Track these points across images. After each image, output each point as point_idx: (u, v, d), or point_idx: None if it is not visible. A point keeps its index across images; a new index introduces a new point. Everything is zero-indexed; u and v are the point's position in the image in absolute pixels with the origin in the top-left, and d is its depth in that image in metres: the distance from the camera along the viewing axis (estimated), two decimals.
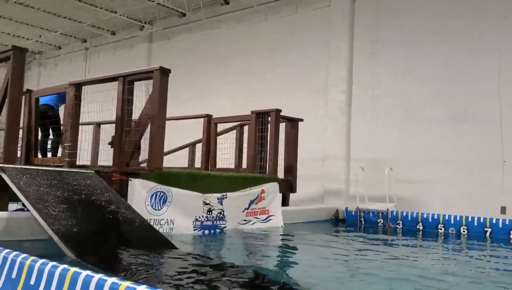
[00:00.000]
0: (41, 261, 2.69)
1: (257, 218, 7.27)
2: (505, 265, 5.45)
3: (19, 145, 6.46)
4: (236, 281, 3.74)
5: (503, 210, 8.04)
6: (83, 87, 6.57)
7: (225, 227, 6.70)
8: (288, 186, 8.52)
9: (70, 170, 5.70)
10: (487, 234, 7.34)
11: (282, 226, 7.45)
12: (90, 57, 17.31)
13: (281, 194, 7.94)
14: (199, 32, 13.92)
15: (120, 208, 4.98)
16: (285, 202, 8.34)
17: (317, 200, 10.39)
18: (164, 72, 5.72)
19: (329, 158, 10.46)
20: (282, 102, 9.59)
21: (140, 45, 15.40)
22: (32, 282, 2.64)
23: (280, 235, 7.05)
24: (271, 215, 7.47)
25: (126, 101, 5.97)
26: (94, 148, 7.78)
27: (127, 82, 5.99)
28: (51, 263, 2.62)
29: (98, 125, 8.99)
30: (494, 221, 7.38)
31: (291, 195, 8.69)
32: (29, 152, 7.23)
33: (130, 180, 5.70)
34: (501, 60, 8.60)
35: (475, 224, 7.49)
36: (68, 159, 6.28)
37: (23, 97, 6.45)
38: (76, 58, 17.75)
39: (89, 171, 5.70)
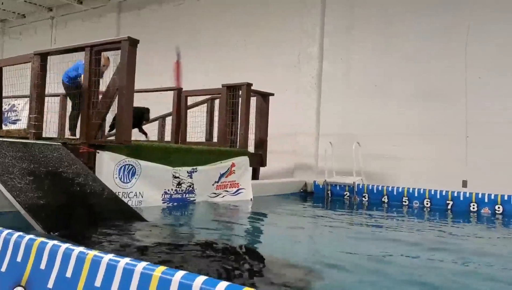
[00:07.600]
0: (6, 231, 2.67)
1: (227, 191, 7.33)
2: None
3: None
4: (204, 253, 3.80)
5: (464, 183, 8.35)
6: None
7: (195, 200, 6.75)
8: (258, 160, 8.61)
9: (36, 142, 5.59)
10: (449, 207, 7.64)
11: (251, 199, 7.55)
12: (57, 27, 16.73)
13: (251, 168, 8.03)
14: (170, 3, 13.61)
15: (88, 181, 4.94)
16: (255, 176, 8.45)
17: (288, 174, 10.52)
18: (133, 43, 5.61)
19: (299, 133, 10.56)
20: (255, 77, 9.54)
21: (109, 15, 14.97)
22: None
23: (249, 207, 7.15)
24: (241, 189, 7.54)
25: (93, 72, 5.86)
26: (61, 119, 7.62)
27: (94, 52, 5.87)
28: (17, 233, 2.61)
29: (65, 96, 8.76)
30: (455, 194, 7.68)
31: (262, 169, 8.79)
32: None
33: (98, 153, 5.65)
34: (468, 38, 8.79)
35: (438, 197, 7.79)
36: (34, 131, 6.15)
37: None
38: (42, 27, 17.12)
39: (56, 143, 5.60)
